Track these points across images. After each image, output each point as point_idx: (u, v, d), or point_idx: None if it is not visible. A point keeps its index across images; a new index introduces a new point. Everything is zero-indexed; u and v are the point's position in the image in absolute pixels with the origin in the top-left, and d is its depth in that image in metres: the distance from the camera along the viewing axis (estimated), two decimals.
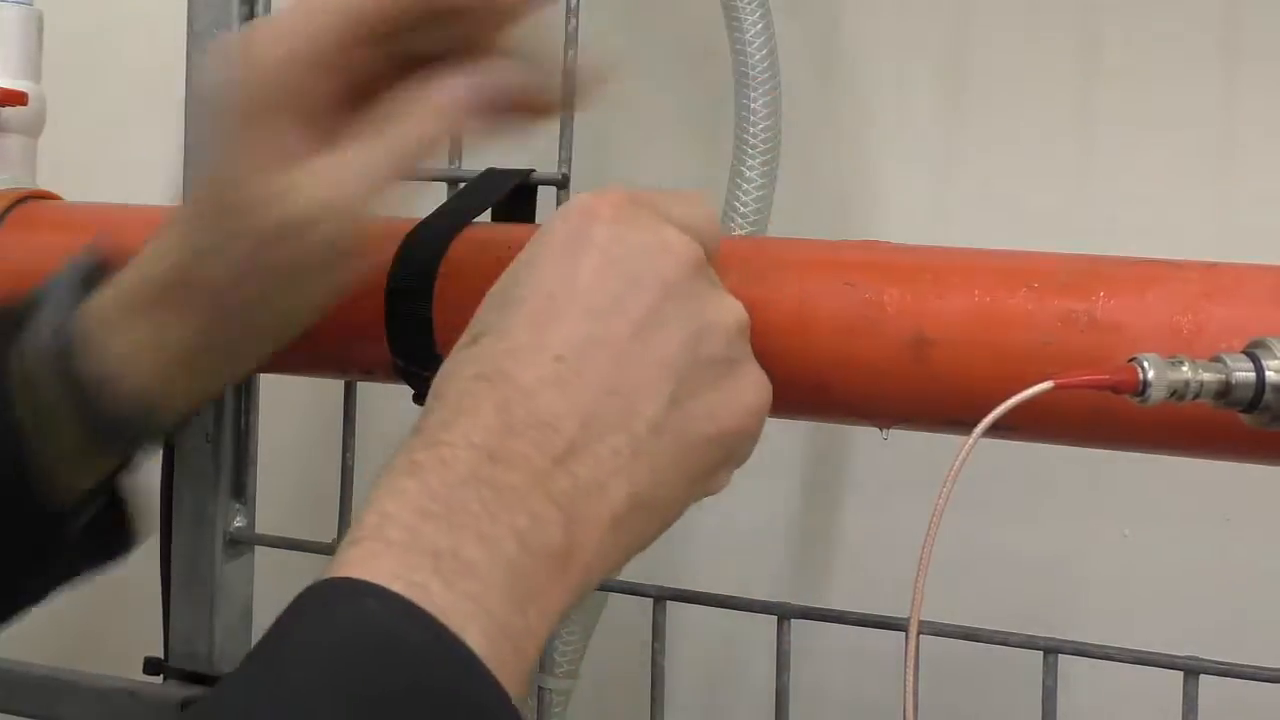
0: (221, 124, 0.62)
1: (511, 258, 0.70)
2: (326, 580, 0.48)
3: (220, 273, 0.64)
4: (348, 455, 0.89)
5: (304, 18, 0.62)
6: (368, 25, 0.61)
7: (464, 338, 0.56)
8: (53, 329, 0.65)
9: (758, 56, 0.86)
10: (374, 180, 0.61)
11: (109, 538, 0.71)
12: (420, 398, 0.73)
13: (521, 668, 0.49)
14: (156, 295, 0.65)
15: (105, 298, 0.66)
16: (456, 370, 0.54)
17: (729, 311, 0.57)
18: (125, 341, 0.65)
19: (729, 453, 0.57)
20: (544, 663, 0.95)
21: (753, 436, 0.58)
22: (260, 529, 0.92)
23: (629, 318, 0.54)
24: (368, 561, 0.48)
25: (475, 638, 0.47)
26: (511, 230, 0.76)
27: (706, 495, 0.58)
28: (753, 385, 0.58)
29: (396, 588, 0.47)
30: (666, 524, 0.56)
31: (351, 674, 0.45)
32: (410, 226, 0.73)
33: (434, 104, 0.61)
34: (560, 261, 0.55)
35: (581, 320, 0.54)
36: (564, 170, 0.81)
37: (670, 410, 0.54)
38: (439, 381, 0.54)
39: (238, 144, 0.61)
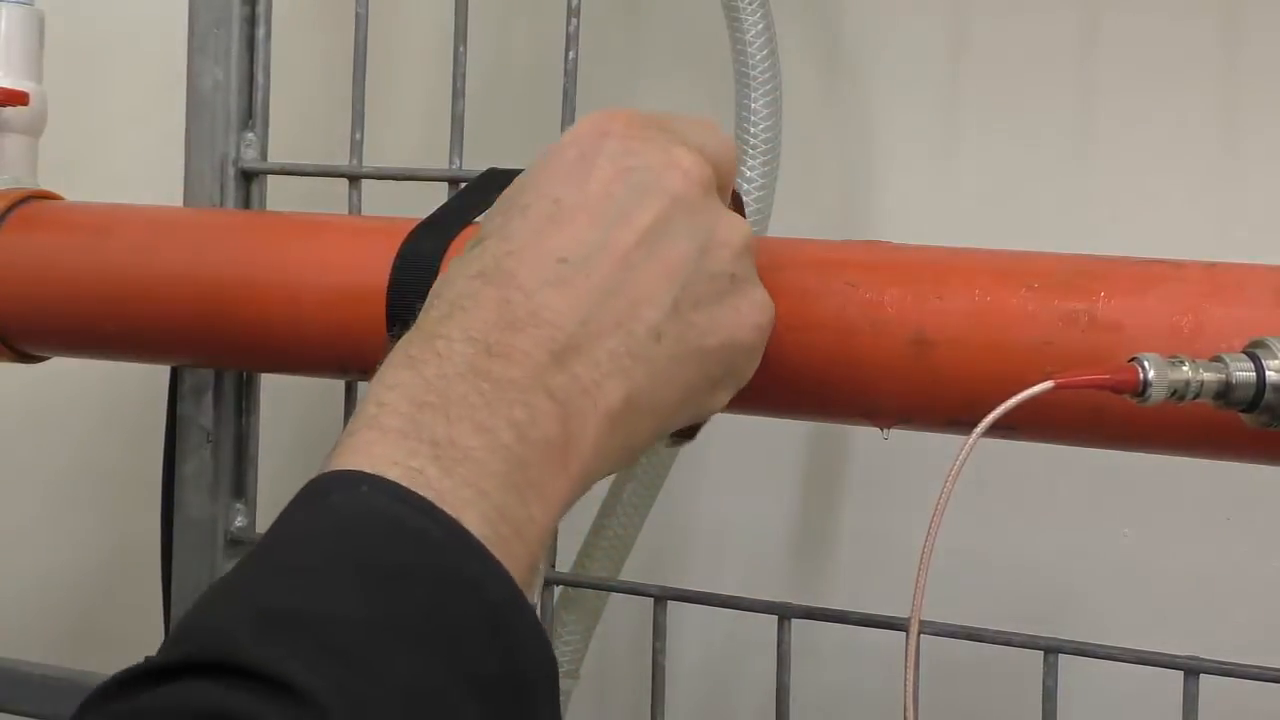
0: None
1: None
2: (323, 474, 0.48)
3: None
4: None
5: None
6: None
7: (468, 244, 0.56)
8: None
9: (758, 56, 0.86)
10: None
11: None
12: None
13: (525, 553, 0.49)
14: None
15: None
16: (457, 271, 0.54)
17: (735, 229, 0.57)
18: None
19: (728, 368, 0.58)
20: None
21: (753, 352, 0.58)
22: (260, 529, 0.92)
23: (635, 227, 0.54)
24: (364, 450, 0.48)
25: (474, 521, 0.47)
26: None
27: (705, 412, 0.58)
28: (756, 302, 0.58)
29: (394, 474, 0.47)
30: (663, 429, 0.57)
31: (352, 551, 0.45)
32: (410, 226, 0.73)
33: None
34: (570, 171, 0.55)
35: (587, 226, 0.54)
36: None
37: (671, 317, 0.54)
38: (439, 284, 0.55)
39: None
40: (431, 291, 0.55)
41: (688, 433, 0.63)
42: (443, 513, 0.47)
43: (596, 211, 0.54)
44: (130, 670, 0.42)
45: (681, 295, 0.55)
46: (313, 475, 0.49)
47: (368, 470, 0.47)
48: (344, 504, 0.47)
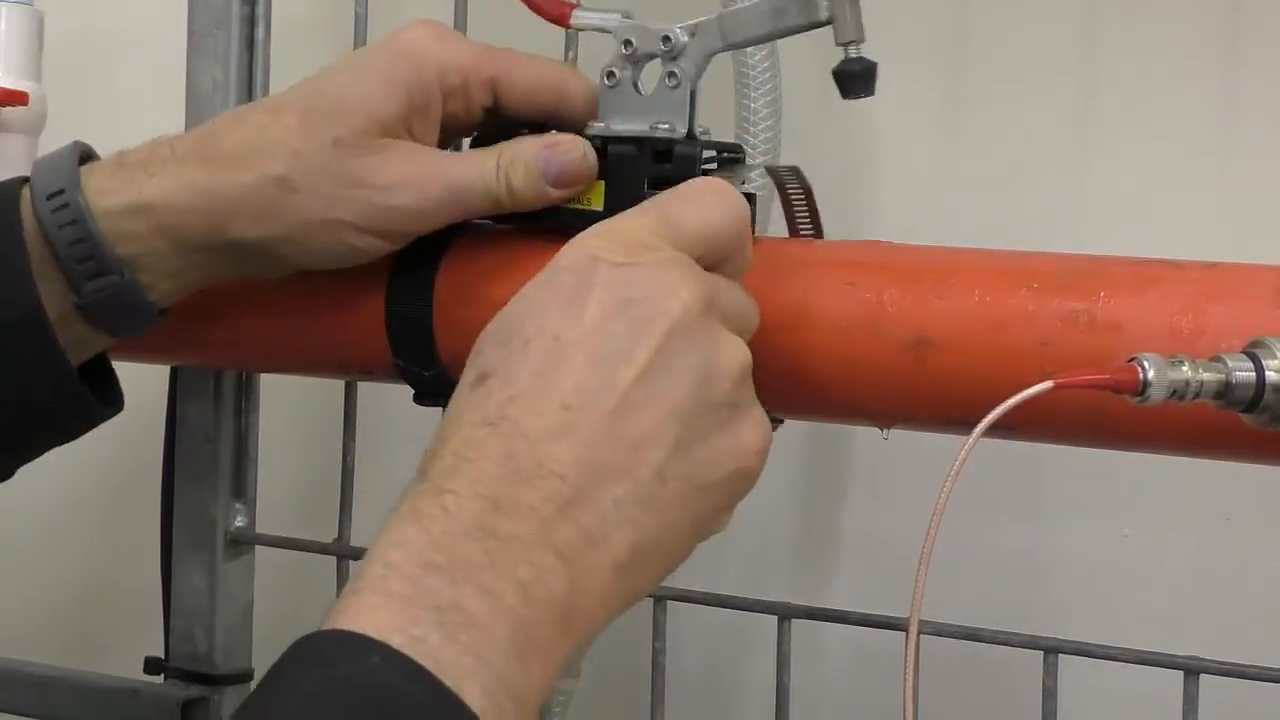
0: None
1: (511, 258, 0.70)
2: (330, 631, 0.48)
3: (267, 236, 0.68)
4: (348, 455, 0.90)
5: (465, 41, 0.70)
6: (497, 78, 0.69)
7: (468, 375, 0.55)
8: (48, 194, 0.68)
9: (758, 56, 0.86)
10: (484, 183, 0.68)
11: (86, 408, 0.71)
12: (421, 397, 0.73)
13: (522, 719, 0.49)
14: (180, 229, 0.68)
15: (117, 204, 0.68)
16: (461, 414, 0.54)
17: (734, 353, 0.56)
18: (129, 237, 0.68)
19: (732, 495, 0.57)
20: None
21: (755, 477, 0.58)
22: (260, 529, 0.92)
23: (635, 363, 0.54)
24: (368, 613, 0.48)
25: (474, 693, 0.47)
26: (512, 230, 0.76)
27: (709, 536, 0.58)
28: (756, 427, 0.57)
29: (396, 642, 0.47)
30: (671, 568, 0.56)
31: None
32: None
33: (528, 160, 0.68)
34: (566, 302, 0.55)
35: (588, 366, 0.53)
36: None
37: (676, 457, 0.54)
38: (444, 424, 0.54)
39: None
40: (436, 433, 0.54)
41: None
42: (445, 688, 0.47)
43: (595, 349, 0.54)
44: None
45: (684, 432, 0.54)
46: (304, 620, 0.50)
47: (374, 636, 0.47)
48: (347, 671, 0.47)
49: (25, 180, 0.70)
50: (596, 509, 0.52)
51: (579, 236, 0.57)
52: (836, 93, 0.67)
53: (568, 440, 0.52)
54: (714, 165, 0.69)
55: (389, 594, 0.48)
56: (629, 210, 0.59)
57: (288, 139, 0.67)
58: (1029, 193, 0.97)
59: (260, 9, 0.89)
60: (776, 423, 0.68)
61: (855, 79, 0.66)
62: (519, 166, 0.67)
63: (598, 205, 0.68)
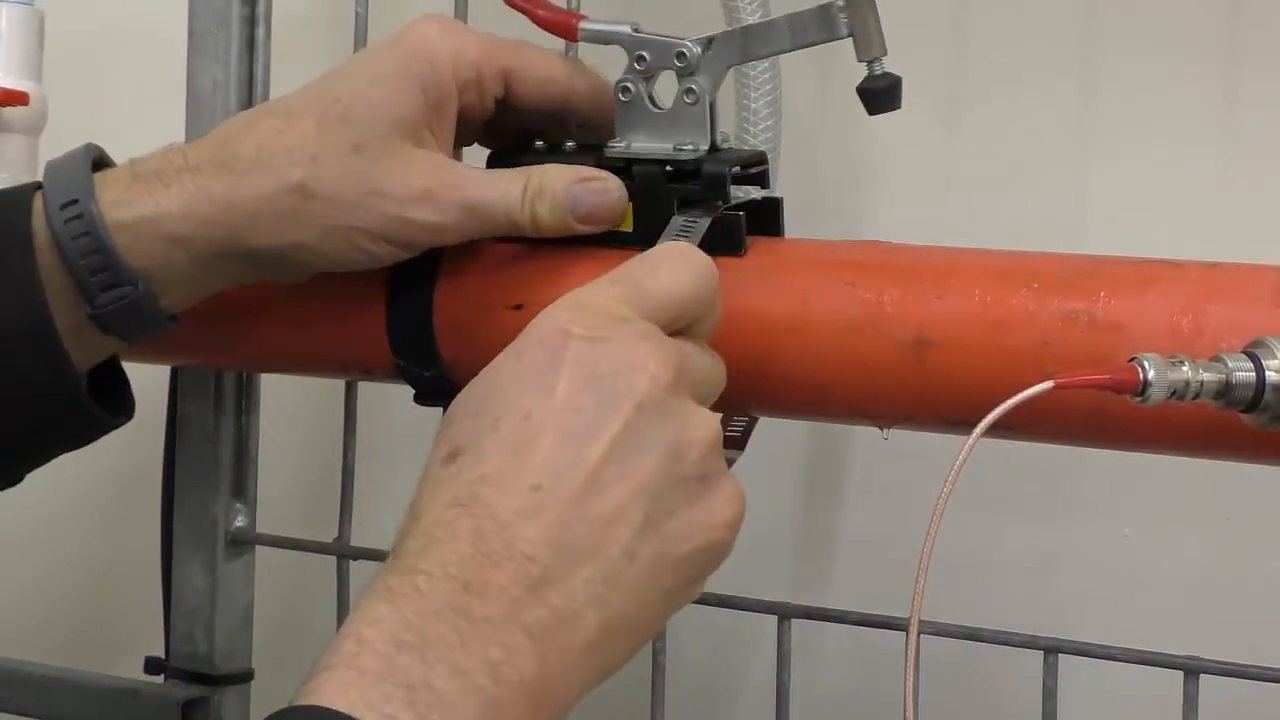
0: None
1: (513, 260, 0.70)
2: (306, 706, 0.48)
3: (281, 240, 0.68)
4: (348, 455, 0.90)
5: (474, 33, 0.69)
6: (513, 75, 0.69)
7: (440, 448, 0.55)
8: (61, 204, 0.67)
9: None
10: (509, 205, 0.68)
11: (93, 418, 0.71)
12: (421, 397, 0.73)
13: None
14: (200, 241, 0.68)
15: (129, 212, 0.68)
16: (433, 492, 0.54)
17: (703, 427, 0.56)
18: (145, 250, 0.68)
19: (703, 567, 0.57)
20: None
21: (727, 549, 0.58)
22: (261, 529, 0.92)
23: (604, 440, 0.54)
24: (342, 691, 0.49)
25: None
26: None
27: (680, 608, 0.58)
28: (727, 499, 0.57)
29: (370, 719, 0.48)
30: (643, 641, 0.57)
31: None
32: None
33: (559, 192, 0.67)
34: (537, 378, 0.55)
35: (558, 443, 0.54)
36: None
37: (645, 535, 0.54)
38: (415, 500, 0.55)
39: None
40: (409, 509, 0.54)
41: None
42: None
43: (565, 428, 0.54)
44: None
45: (653, 508, 0.54)
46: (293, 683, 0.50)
47: (347, 713, 0.48)
48: None
49: (38, 186, 0.69)
50: (566, 589, 0.52)
51: (549, 308, 0.57)
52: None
53: (537, 521, 0.53)
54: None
55: (362, 670, 0.49)
56: (598, 280, 0.58)
57: (305, 145, 0.67)
58: (1029, 193, 0.97)
59: (260, 9, 0.89)
60: (751, 420, 0.68)
61: (880, 95, 0.66)
62: (546, 197, 0.67)
63: (626, 227, 0.67)
